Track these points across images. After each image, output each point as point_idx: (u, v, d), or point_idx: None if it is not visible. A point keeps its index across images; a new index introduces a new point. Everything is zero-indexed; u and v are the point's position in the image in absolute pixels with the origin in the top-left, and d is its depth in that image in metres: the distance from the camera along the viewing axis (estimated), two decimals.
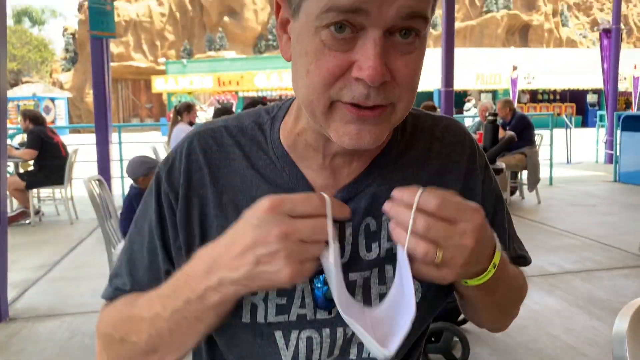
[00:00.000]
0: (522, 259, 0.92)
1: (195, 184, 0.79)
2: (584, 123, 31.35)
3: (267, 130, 0.81)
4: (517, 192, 7.87)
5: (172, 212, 0.78)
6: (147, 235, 0.80)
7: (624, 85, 26.02)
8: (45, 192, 7.36)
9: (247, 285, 0.62)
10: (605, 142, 11.92)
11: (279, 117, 0.82)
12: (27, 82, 42.41)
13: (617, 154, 9.48)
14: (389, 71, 0.63)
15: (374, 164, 0.80)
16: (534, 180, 7.22)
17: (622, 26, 12.21)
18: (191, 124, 6.86)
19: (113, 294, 0.82)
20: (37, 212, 6.95)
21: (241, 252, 0.61)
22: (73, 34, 51.76)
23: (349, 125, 0.66)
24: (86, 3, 7.35)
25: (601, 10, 69.80)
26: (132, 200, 3.76)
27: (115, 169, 8.02)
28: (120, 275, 0.82)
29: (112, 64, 8.33)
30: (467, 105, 21.79)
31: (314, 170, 0.78)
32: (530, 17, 55.39)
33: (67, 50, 53.13)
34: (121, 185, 7.83)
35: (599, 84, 25.65)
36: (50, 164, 6.63)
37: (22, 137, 8.66)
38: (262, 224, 0.60)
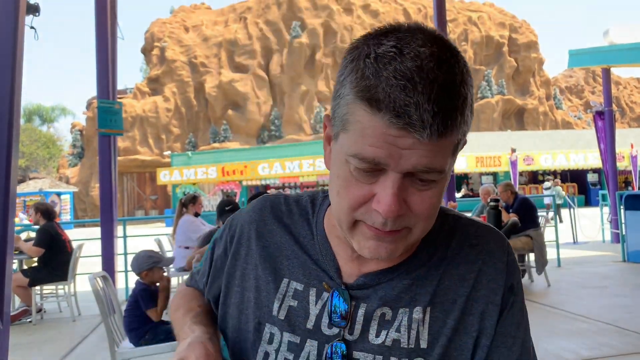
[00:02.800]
0: None
1: (245, 235, 0.96)
2: (587, 202, 31.43)
3: (317, 206, 0.95)
4: (526, 275, 7.76)
5: (226, 252, 0.98)
6: (210, 256, 1.04)
7: (622, 164, 26.33)
8: (47, 288, 7.26)
9: None
10: (610, 222, 11.88)
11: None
12: (34, 177, 43.13)
13: (623, 233, 9.43)
14: (407, 203, 0.73)
15: (403, 262, 0.86)
16: (541, 263, 7.13)
17: (614, 107, 12.53)
18: (197, 214, 6.89)
19: (189, 282, 1.13)
20: (39, 310, 6.83)
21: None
22: (81, 130, 53.23)
23: (369, 241, 0.76)
24: (95, 101, 7.63)
25: (592, 93, 72.03)
26: (138, 296, 3.71)
27: (119, 263, 7.98)
28: (195, 273, 1.11)
29: (118, 157, 8.52)
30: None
31: (342, 257, 0.88)
32: (524, 101, 57.01)
33: (74, 145, 54.44)
34: (125, 280, 7.75)
35: (598, 163, 26.02)
36: (55, 260, 6.55)
37: (27, 234, 8.66)
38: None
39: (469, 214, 9.06)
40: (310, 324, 0.85)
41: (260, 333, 0.89)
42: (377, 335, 0.82)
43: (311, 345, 0.84)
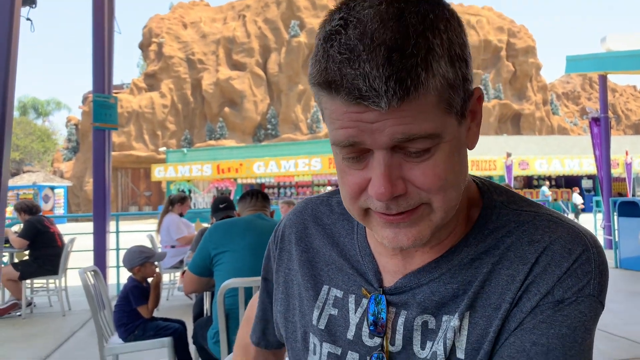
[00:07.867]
0: None
1: (287, 239, 0.94)
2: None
3: None
4: None
5: (270, 258, 0.98)
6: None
7: (617, 171, 26.44)
8: (38, 282, 7.22)
9: None
10: (604, 228, 11.91)
11: None
12: (28, 171, 42.95)
13: (616, 239, 9.44)
14: (407, 179, 0.65)
15: (445, 257, 0.76)
16: None
17: (610, 114, 12.57)
18: (181, 215, 6.86)
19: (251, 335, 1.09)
20: (29, 304, 6.79)
21: None
22: (76, 125, 53.06)
23: (385, 230, 0.69)
24: (91, 95, 7.59)
25: (589, 99, 72.36)
26: (129, 292, 3.69)
27: (111, 258, 7.94)
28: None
29: (113, 153, 8.47)
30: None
31: (385, 254, 0.80)
32: (521, 106, 57.20)
33: (69, 140, 54.27)
34: (116, 275, 7.72)
35: (593, 169, 26.14)
36: (45, 253, 6.53)
37: (18, 227, 8.60)
38: None
39: None
40: (350, 334, 0.79)
41: (307, 343, 0.85)
42: (423, 347, 0.74)
43: (352, 358, 0.79)
